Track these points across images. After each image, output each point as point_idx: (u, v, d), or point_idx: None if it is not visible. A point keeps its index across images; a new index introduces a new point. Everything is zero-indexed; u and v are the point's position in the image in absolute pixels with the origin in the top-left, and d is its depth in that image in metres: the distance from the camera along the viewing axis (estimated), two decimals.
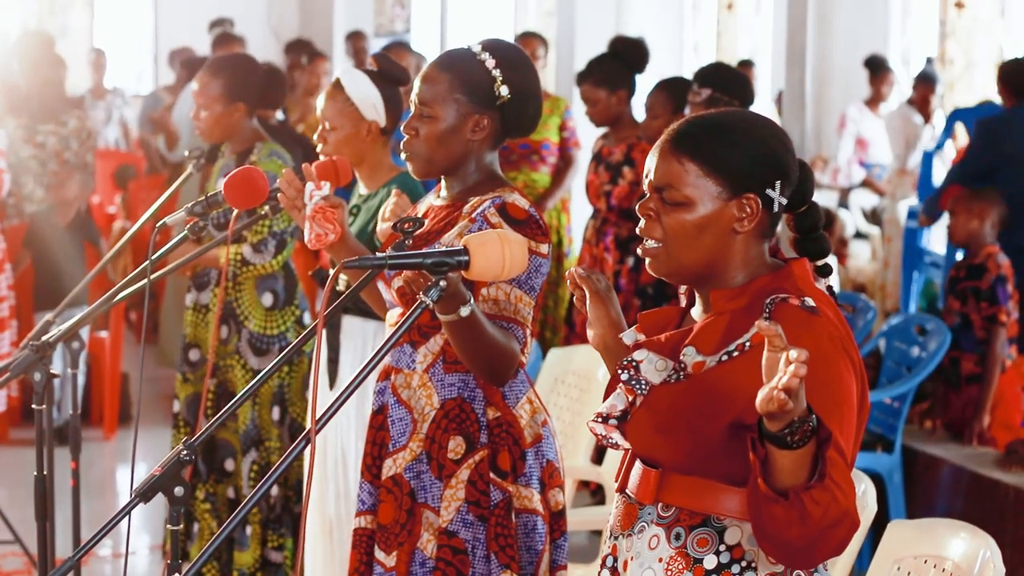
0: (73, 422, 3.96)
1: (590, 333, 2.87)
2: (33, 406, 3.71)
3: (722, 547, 2.53)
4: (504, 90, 3.50)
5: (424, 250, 2.84)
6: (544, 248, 3.42)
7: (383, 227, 3.82)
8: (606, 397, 2.69)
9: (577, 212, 9.41)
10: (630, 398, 2.60)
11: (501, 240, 2.83)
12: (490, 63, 3.50)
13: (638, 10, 12.14)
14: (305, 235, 3.59)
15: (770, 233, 2.64)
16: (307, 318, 5.41)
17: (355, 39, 13.62)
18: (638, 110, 6.95)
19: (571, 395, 5.26)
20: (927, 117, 9.95)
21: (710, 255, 2.59)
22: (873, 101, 10.78)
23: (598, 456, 5.42)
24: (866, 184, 11.05)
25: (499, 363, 3.35)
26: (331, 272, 4.42)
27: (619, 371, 2.62)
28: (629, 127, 7.03)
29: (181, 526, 2.70)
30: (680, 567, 2.55)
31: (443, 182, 3.59)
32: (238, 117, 5.29)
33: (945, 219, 6.91)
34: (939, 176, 8.66)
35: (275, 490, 5.28)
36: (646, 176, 2.64)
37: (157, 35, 17.82)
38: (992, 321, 6.40)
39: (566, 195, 8.86)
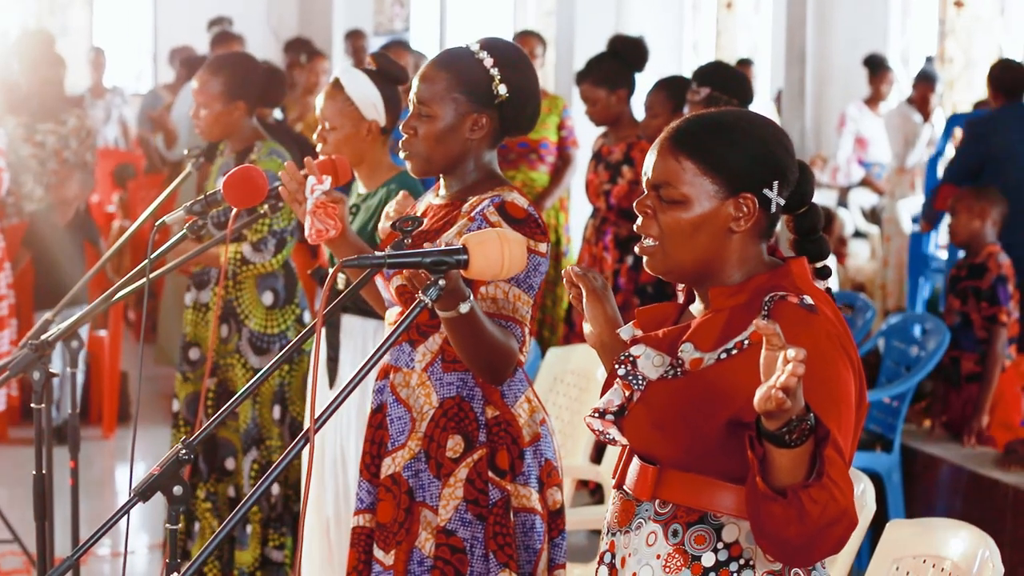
0: (72, 421, 3.95)
1: (587, 331, 2.87)
2: (32, 405, 3.71)
3: (720, 544, 2.53)
4: (502, 89, 3.50)
5: (423, 249, 2.84)
6: (543, 247, 3.42)
7: (385, 226, 3.82)
8: (603, 394, 2.69)
9: (576, 211, 9.41)
10: (627, 394, 2.60)
11: (500, 239, 2.83)
12: (488, 62, 3.50)
13: (638, 9, 12.14)
14: (305, 229, 3.59)
15: (768, 234, 2.63)
16: (307, 317, 5.41)
17: (354, 38, 13.61)
18: (638, 109, 6.95)
19: (570, 394, 5.26)
20: (926, 116, 9.95)
21: (706, 254, 2.59)
22: (872, 100, 10.78)
23: (597, 455, 5.42)
24: (865, 183, 11.05)
25: (498, 361, 3.35)
26: (330, 271, 4.43)
27: (616, 366, 2.62)
28: (629, 126, 7.02)
29: (180, 525, 2.70)
30: (678, 564, 2.55)
31: (442, 181, 3.59)
32: (238, 116, 5.29)
33: (947, 221, 6.92)
34: None
35: (276, 489, 5.28)
36: (644, 174, 2.65)
37: (156, 34, 17.82)
38: (992, 321, 6.40)
39: (564, 194, 8.86)
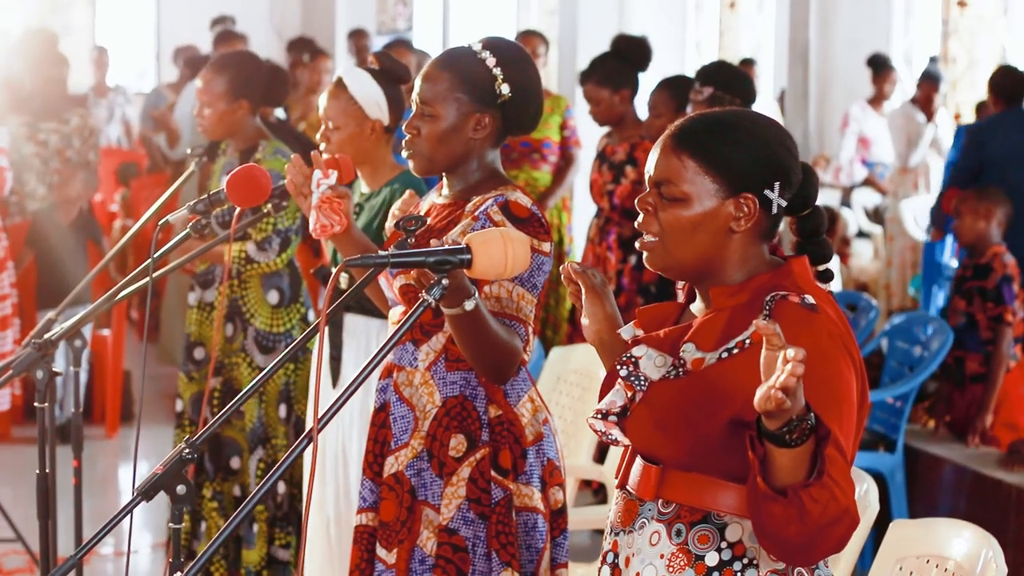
0: (75, 420, 3.95)
1: (586, 329, 2.86)
2: (35, 404, 3.71)
3: (723, 544, 2.53)
4: (505, 88, 3.50)
5: (426, 248, 2.84)
6: (546, 246, 3.42)
7: (392, 225, 3.82)
8: (602, 392, 2.69)
9: (578, 211, 9.41)
10: (629, 394, 2.60)
11: (503, 238, 2.83)
12: (491, 61, 3.50)
13: (640, 9, 12.14)
14: (310, 224, 3.58)
15: (770, 235, 2.63)
16: (311, 315, 5.41)
17: (357, 37, 13.61)
18: (642, 109, 6.95)
19: (573, 394, 5.25)
20: (930, 116, 9.95)
21: (706, 252, 2.59)
22: (876, 100, 10.78)
23: (600, 455, 5.42)
24: (868, 183, 11.05)
25: (502, 360, 3.35)
26: (333, 270, 4.43)
27: (618, 367, 2.62)
28: (632, 126, 7.02)
29: (183, 524, 2.70)
30: (682, 563, 2.55)
31: (445, 180, 3.59)
32: (241, 115, 5.29)
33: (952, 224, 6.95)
34: None
35: (281, 488, 5.28)
36: (647, 171, 2.65)
37: (159, 33, 17.83)
38: (998, 321, 6.40)
39: (567, 194, 8.86)
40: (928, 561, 3.17)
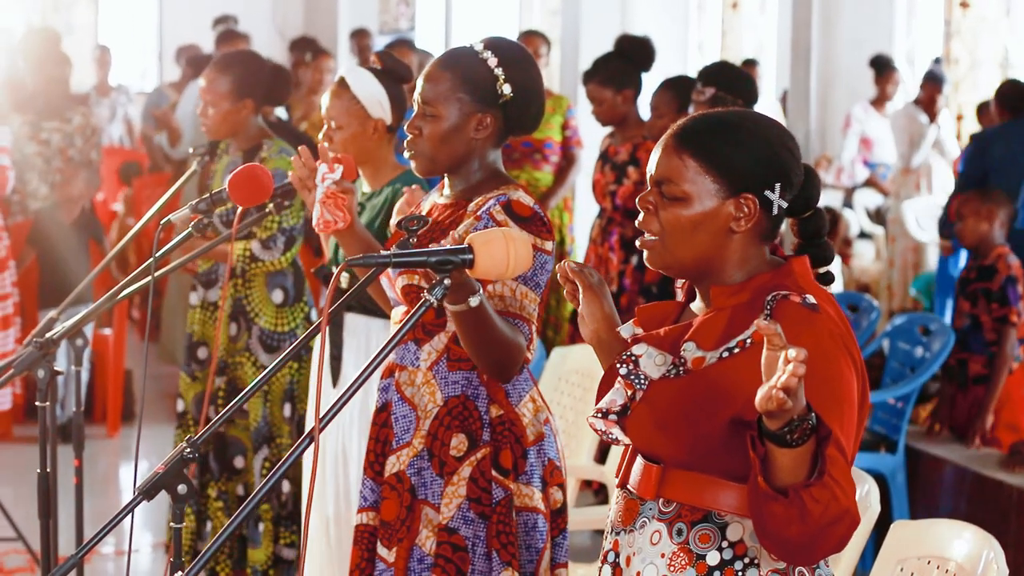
0: (76, 419, 3.95)
1: (583, 328, 2.86)
2: (37, 403, 3.71)
3: (724, 543, 2.53)
4: (507, 88, 3.50)
5: (428, 248, 2.84)
6: (549, 245, 3.42)
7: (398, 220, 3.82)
8: (600, 391, 2.69)
9: (580, 211, 9.41)
10: (629, 393, 2.60)
11: (505, 238, 2.83)
12: (492, 61, 3.50)
13: (643, 9, 12.14)
14: (313, 219, 3.58)
15: (771, 236, 2.63)
16: (315, 315, 5.40)
17: (359, 37, 13.61)
18: (645, 109, 6.94)
19: (574, 394, 5.26)
20: (933, 117, 9.94)
21: (706, 252, 2.59)
22: (878, 101, 10.77)
23: (601, 455, 5.42)
24: (870, 184, 11.04)
25: (506, 357, 3.35)
26: (334, 269, 4.43)
27: (618, 365, 2.62)
28: (635, 126, 7.01)
29: (185, 524, 2.69)
30: (683, 563, 2.55)
31: (446, 180, 3.59)
32: (245, 114, 5.29)
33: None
34: None
35: (286, 487, 5.28)
36: (648, 170, 2.65)
37: (161, 32, 17.83)
38: (1003, 322, 6.39)
39: (568, 194, 8.86)
40: (929, 562, 3.17)
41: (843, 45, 10.93)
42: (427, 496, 3.48)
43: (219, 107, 5.25)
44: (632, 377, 2.59)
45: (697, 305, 2.68)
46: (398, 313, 3.63)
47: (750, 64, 11.54)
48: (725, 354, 2.51)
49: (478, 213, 3.43)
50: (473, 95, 3.49)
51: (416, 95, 3.54)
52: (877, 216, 10.93)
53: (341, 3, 16.10)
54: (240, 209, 3.77)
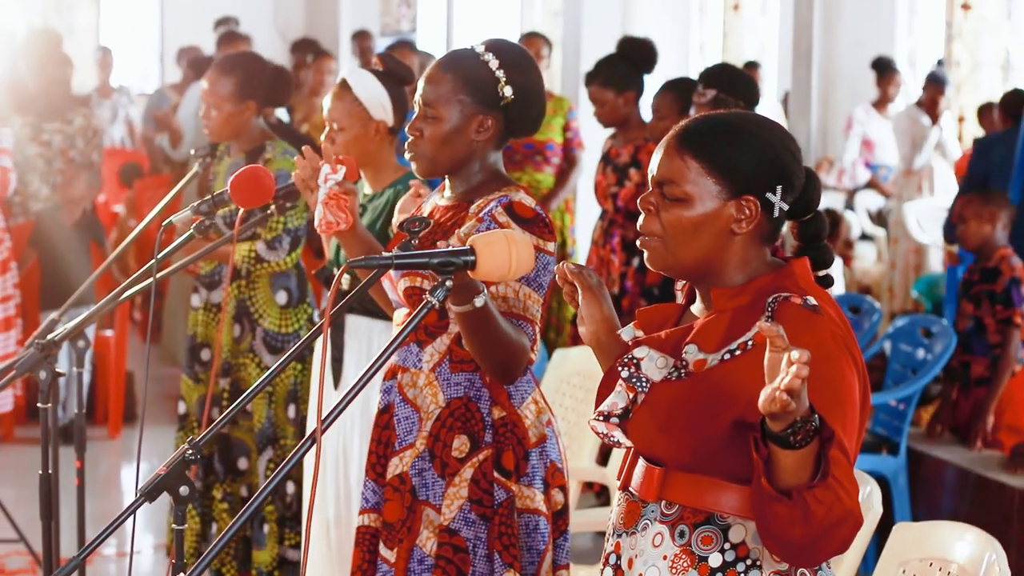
0: (78, 421, 3.95)
1: (582, 330, 2.86)
2: (38, 405, 3.71)
3: (727, 545, 2.53)
4: (508, 90, 3.50)
5: (430, 250, 2.84)
6: (551, 246, 3.42)
7: (401, 219, 3.82)
8: (600, 394, 2.69)
9: (581, 213, 9.41)
10: (631, 396, 2.60)
11: (508, 240, 2.83)
12: (493, 63, 3.50)
13: (644, 11, 12.13)
14: (315, 220, 3.57)
15: (771, 238, 2.63)
16: (317, 316, 5.40)
17: (361, 38, 13.61)
18: (646, 111, 6.94)
19: (576, 396, 5.25)
20: (935, 119, 9.94)
21: (707, 253, 2.59)
22: (880, 102, 10.78)
23: (603, 457, 5.42)
24: (872, 185, 11.04)
25: (510, 358, 3.35)
26: (335, 271, 4.43)
27: (619, 368, 2.62)
28: (637, 128, 7.01)
29: (186, 526, 2.69)
30: (685, 565, 2.55)
31: (447, 182, 3.59)
32: (248, 116, 5.29)
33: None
34: None
35: (291, 488, 5.28)
36: (650, 171, 2.65)
37: (163, 34, 17.83)
38: (1007, 323, 6.39)
39: (570, 196, 8.86)
40: (931, 564, 3.16)
41: (844, 47, 10.93)
42: (428, 497, 3.48)
43: (222, 109, 5.25)
44: (634, 380, 2.59)
45: (697, 307, 2.68)
46: (400, 315, 3.63)
47: (752, 66, 11.54)
48: (727, 356, 2.51)
49: (480, 215, 3.43)
50: (474, 97, 3.49)
51: (417, 97, 3.54)
52: (878, 218, 10.93)
53: (342, 5, 16.11)
54: (241, 211, 3.76)
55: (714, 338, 2.55)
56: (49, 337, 3.68)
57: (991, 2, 10.00)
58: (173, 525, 2.69)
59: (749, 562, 2.53)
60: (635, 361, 2.61)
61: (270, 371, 2.76)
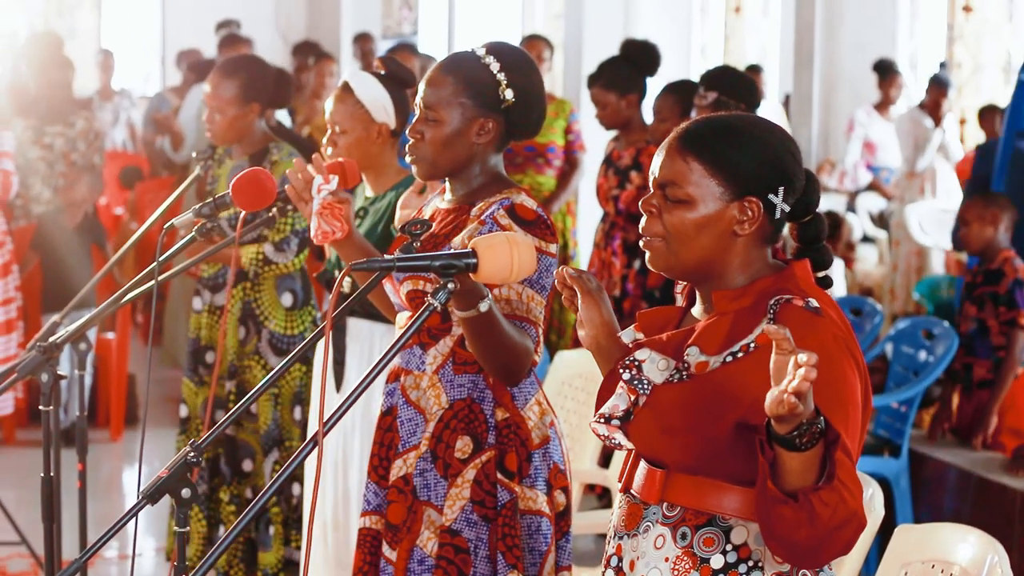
0: (80, 423, 3.95)
1: (581, 334, 2.86)
2: (40, 407, 3.71)
3: (728, 547, 2.54)
4: (508, 93, 3.50)
5: (432, 252, 2.84)
6: (553, 248, 3.43)
7: (403, 214, 3.83)
8: (600, 397, 2.69)
9: (583, 215, 9.41)
10: (632, 398, 2.60)
11: (509, 243, 2.83)
12: (494, 66, 3.50)
13: (646, 13, 12.14)
14: (311, 230, 3.59)
15: (773, 239, 2.64)
16: (320, 319, 5.40)
17: (363, 41, 13.61)
18: (649, 114, 6.94)
19: (578, 398, 5.25)
20: (938, 121, 9.94)
21: (709, 255, 2.60)
22: (882, 105, 10.77)
23: (604, 459, 5.42)
24: (873, 188, 11.04)
25: (515, 361, 3.35)
26: (336, 274, 4.43)
27: (621, 370, 2.62)
28: (639, 131, 7.01)
29: (187, 528, 2.69)
30: (687, 566, 2.55)
31: (448, 185, 3.59)
32: (251, 118, 5.29)
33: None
34: None
35: (296, 490, 5.28)
36: (652, 173, 2.65)
37: (165, 36, 17.82)
38: (1011, 325, 6.39)
39: (572, 198, 8.86)
40: (933, 566, 3.16)
41: (846, 49, 10.94)
42: (429, 497, 3.48)
43: (226, 113, 5.24)
44: (635, 382, 2.59)
45: (698, 310, 2.68)
46: (402, 318, 3.63)
47: (754, 70, 11.53)
48: (729, 358, 2.51)
49: (482, 217, 3.43)
50: (475, 100, 3.49)
51: (418, 99, 3.54)
52: (880, 220, 10.93)
53: (344, 7, 16.10)
54: (243, 213, 3.76)
55: (716, 340, 2.55)
56: (51, 340, 3.68)
57: (992, 4, 10.01)
58: (175, 528, 2.69)
59: (751, 563, 2.53)
60: (637, 363, 2.61)
61: (271, 374, 2.76)
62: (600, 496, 6.96)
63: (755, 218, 2.59)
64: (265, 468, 5.29)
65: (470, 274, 2.84)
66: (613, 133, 7.20)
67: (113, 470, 8.01)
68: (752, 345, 2.50)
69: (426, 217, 3.61)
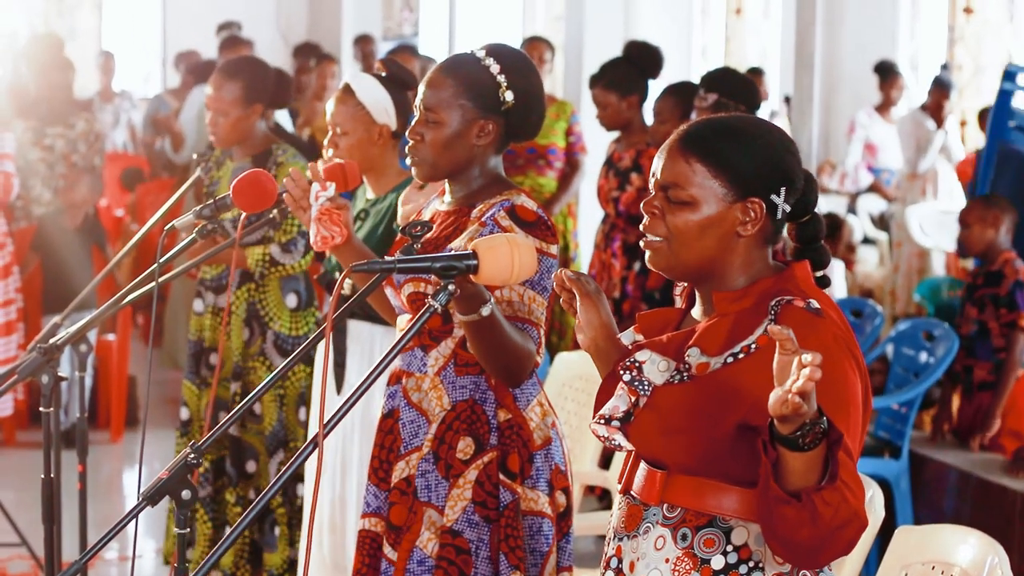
0: (80, 425, 3.95)
1: (580, 337, 2.86)
2: (41, 409, 3.71)
3: (729, 547, 2.54)
4: (508, 95, 3.51)
5: (433, 254, 2.84)
6: (554, 249, 3.43)
7: (406, 209, 3.83)
8: (599, 398, 2.69)
9: (584, 217, 9.41)
10: (633, 399, 2.60)
11: (510, 244, 2.83)
12: (494, 68, 3.51)
13: (647, 14, 12.14)
14: (311, 237, 3.60)
15: (773, 240, 2.64)
16: (321, 320, 5.40)
17: (363, 43, 13.62)
18: (649, 115, 6.94)
19: (578, 400, 5.25)
20: (940, 122, 9.94)
21: (711, 255, 2.60)
22: (882, 106, 10.77)
23: (605, 461, 5.42)
24: (874, 189, 11.03)
25: (516, 363, 3.35)
26: (337, 276, 4.43)
27: (621, 371, 2.62)
28: (639, 132, 7.01)
29: (188, 530, 2.69)
30: (687, 567, 2.55)
31: (447, 186, 3.59)
32: (254, 120, 5.29)
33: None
34: None
35: (301, 491, 5.27)
36: (653, 174, 2.65)
37: (165, 38, 17.82)
38: (1012, 327, 6.39)
39: (573, 200, 8.86)
40: (933, 568, 3.16)
41: (847, 50, 10.93)
42: (430, 498, 3.48)
43: (229, 115, 5.24)
44: (636, 383, 2.59)
45: (698, 311, 2.68)
46: (403, 321, 3.63)
47: (755, 73, 11.52)
48: (730, 359, 2.51)
49: (482, 219, 3.43)
50: (475, 101, 3.49)
51: (418, 101, 3.54)
52: (881, 222, 10.93)
53: (345, 9, 16.10)
54: (244, 215, 3.76)
55: (717, 341, 2.55)
56: (51, 341, 3.68)
57: (993, 5, 10.01)
58: (175, 529, 2.69)
59: (751, 564, 2.53)
60: (637, 364, 2.61)
61: (271, 376, 2.76)
62: (600, 497, 6.96)
63: (758, 219, 2.59)
64: (270, 469, 5.29)
65: (471, 275, 2.84)
66: (614, 135, 7.20)
67: (113, 472, 8.02)
68: (753, 346, 2.50)
69: (426, 219, 3.61)
